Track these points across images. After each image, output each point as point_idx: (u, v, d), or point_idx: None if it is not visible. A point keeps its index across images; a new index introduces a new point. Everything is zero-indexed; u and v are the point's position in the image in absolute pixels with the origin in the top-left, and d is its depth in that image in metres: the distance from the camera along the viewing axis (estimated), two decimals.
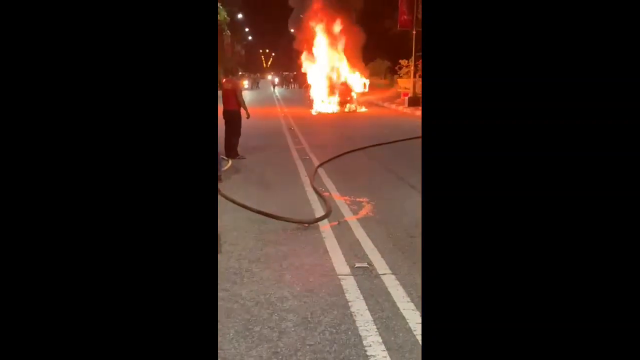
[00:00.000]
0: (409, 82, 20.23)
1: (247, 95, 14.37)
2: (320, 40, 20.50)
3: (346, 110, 19.13)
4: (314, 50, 20.69)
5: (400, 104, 19.91)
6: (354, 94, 19.62)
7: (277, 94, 33.73)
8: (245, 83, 37.08)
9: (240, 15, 44.87)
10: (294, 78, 41.05)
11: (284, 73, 49.96)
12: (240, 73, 38.85)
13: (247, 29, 61.91)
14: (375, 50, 29.29)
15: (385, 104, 21.30)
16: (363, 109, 19.51)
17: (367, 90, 20.93)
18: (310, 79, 21.17)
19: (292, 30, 22.46)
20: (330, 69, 20.30)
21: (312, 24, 20.44)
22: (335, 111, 18.89)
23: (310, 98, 20.01)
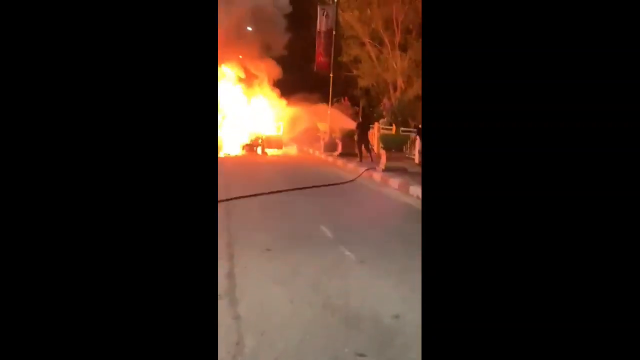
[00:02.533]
0: (325, 126, 19.29)
1: None
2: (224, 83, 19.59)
3: (259, 153, 17.98)
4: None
5: (318, 149, 18.86)
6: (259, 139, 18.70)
7: None
8: None
9: None
10: None
11: None
12: None
13: None
14: (300, 91, 28.53)
15: (304, 148, 20.28)
16: (274, 152, 18.36)
17: (281, 133, 19.70)
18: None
19: None
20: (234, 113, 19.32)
21: None
22: (239, 154, 17.79)
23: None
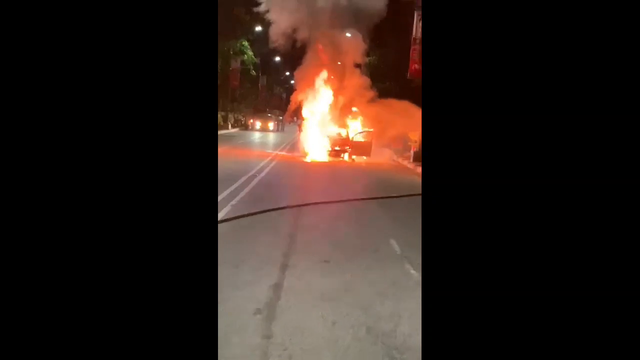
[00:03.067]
0: (417, 135, 18.66)
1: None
2: (315, 89, 19.55)
3: (345, 159, 17.75)
4: (309, 99, 19.72)
5: (407, 159, 18.28)
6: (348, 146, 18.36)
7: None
8: (270, 125, 36.51)
9: (277, 58, 44.48)
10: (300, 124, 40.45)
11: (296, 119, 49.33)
12: (268, 114, 38.44)
13: (287, 72, 62.22)
14: (397, 98, 28.09)
15: (394, 157, 19.77)
16: (363, 158, 18.00)
17: (369, 140, 19.27)
18: (305, 127, 20.20)
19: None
20: (322, 119, 19.12)
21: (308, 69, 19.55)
22: (326, 160, 17.61)
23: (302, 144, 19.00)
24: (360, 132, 18.94)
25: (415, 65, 17.69)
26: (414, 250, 5.51)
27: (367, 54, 36.46)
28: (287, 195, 9.03)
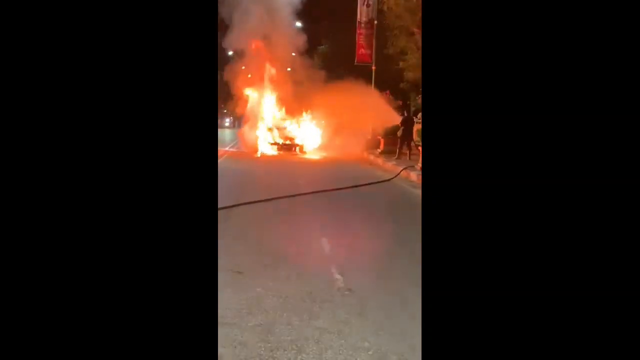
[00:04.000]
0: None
1: None
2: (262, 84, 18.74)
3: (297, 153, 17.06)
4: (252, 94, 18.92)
5: (361, 146, 17.72)
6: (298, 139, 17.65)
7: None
8: (226, 121, 35.70)
9: (230, 53, 43.15)
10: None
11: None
12: (224, 110, 37.53)
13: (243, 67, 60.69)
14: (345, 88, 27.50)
15: (348, 145, 19.18)
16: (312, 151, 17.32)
17: (320, 131, 18.63)
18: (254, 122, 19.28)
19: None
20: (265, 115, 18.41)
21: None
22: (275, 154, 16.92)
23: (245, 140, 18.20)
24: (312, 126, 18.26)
25: (362, 50, 17.14)
26: (344, 251, 4.93)
27: (320, 43, 35.83)
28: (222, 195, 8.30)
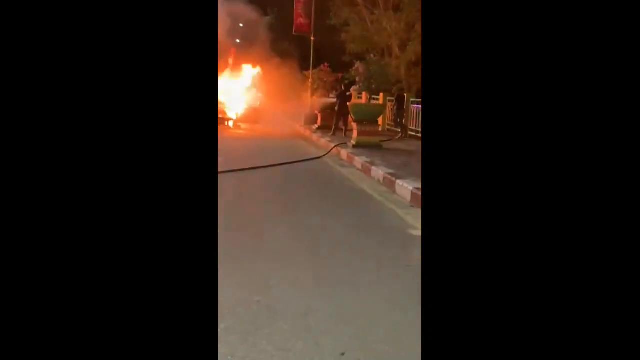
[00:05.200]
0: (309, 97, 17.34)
1: None
2: None
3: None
4: None
5: (299, 122, 16.98)
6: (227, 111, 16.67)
7: None
8: None
9: None
10: None
11: None
12: None
13: None
14: (282, 59, 26.64)
15: (287, 121, 18.38)
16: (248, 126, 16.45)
17: (257, 105, 17.73)
18: None
19: None
20: None
21: None
22: None
23: None
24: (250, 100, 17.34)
25: (300, 20, 16.25)
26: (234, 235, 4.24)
27: (265, 14, 34.51)
28: None
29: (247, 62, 20.01)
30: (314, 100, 16.04)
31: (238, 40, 26.05)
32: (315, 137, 13.53)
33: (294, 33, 16.79)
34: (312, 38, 16.14)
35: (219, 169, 7.70)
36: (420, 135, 12.57)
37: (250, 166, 8.27)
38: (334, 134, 13.09)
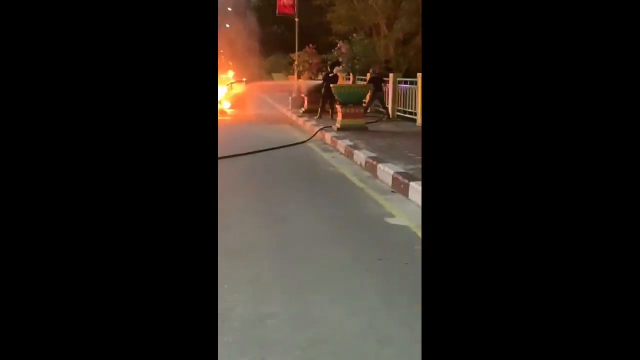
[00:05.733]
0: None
1: None
2: None
3: None
4: None
5: (286, 105, 16.60)
6: None
7: None
8: None
9: None
10: None
11: None
12: None
13: None
14: (278, 43, 26.11)
15: (275, 104, 17.96)
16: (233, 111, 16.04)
17: (243, 91, 17.27)
18: None
19: None
20: None
21: None
22: None
23: None
24: (232, 82, 16.90)
25: (283, 1, 15.75)
26: None
27: None
28: None
29: (235, 46, 19.54)
30: (300, 83, 15.60)
31: (227, 25, 25.43)
32: (301, 121, 13.18)
33: (277, 14, 16.31)
34: (297, 19, 15.66)
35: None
36: (407, 116, 12.23)
37: (229, 154, 7.94)
38: (320, 117, 12.73)
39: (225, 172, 6.85)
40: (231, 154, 7.94)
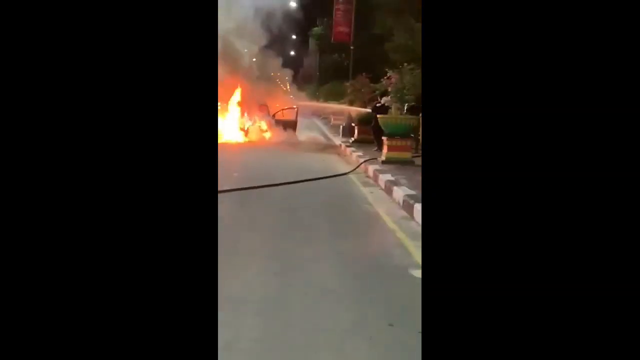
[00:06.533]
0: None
1: None
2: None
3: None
4: None
5: (338, 134, 16.26)
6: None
7: None
8: None
9: None
10: None
11: None
12: None
13: None
14: (335, 71, 26.06)
15: (327, 132, 17.69)
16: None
17: (294, 118, 16.95)
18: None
19: None
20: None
21: None
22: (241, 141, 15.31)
23: None
24: (282, 109, 16.72)
25: (339, 28, 15.57)
26: None
27: (315, 24, 34.19)
28: None
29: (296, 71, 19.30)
30: (350, 112, 15.24)
31: (292, 53, 25.74)
32: (348, 151, 12.76)
33: (332, 41, 16.14)
34: (352, 47, 15.40)
35: (228, 188, 7.13)
36: None
37: (265, 183, 7.62)
38: (378, 149, 11.77)
39: (251, 205, 6.49)
40: (264, 184, 7.62)
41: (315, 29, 32.86)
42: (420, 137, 10.84)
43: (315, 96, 22.99)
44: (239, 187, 7.20)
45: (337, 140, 15.40)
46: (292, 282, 3.72)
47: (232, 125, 15.80)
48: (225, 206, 6.25)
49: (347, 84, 16.66)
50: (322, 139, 15.94)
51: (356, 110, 14.01)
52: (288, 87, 22.05)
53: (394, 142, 9.88)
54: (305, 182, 8.17)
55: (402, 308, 3.29)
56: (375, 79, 15.86)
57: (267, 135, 15.93)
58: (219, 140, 14.97)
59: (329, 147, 14.23)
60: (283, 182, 7.87)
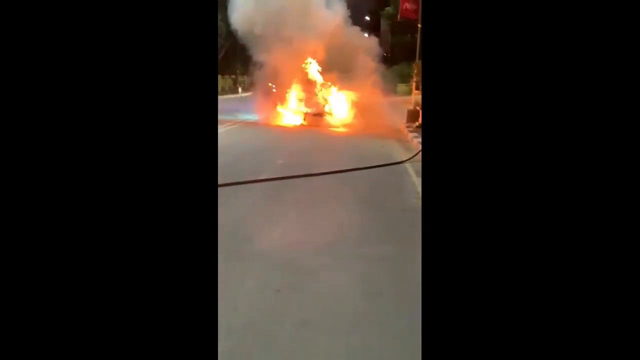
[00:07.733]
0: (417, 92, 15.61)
1: None
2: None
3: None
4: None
5: (402, 117, 15.36)
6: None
7: None
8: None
9: None
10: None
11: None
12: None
13: None
14: (405, 51, 25.01)
15: (394, 118, 16.78)
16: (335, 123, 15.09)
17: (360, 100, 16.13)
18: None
19: None
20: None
21: None
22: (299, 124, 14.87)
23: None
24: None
25: (406, 5, 14.62)
26: None
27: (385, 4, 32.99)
28: None
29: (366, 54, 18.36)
30: (416, 95, 14.33)
31: (366, 35, 24.71)
32: (410, 136, 11.95)
33: (398, 19, 15.22)
34: (419, 25, 14.43)
35: (274, 175, 6.68)
36: None
37: (314, 171, 7.10)
38: None
39: (288, 195, 5.97)
40: (311, 172, 7.08)
41: (387, 8, 31.71)
42: None
43: (384, 78, 22.02)
44: (275, 176, 6.72)
45: (401, 124, 14.55)
46: (292, 299, 3.14)
47: (293, 107, 15.36)
48: (252, 194, 5.78)
49: (414, 64, 15.66)
50: (384, 121, 15.09)
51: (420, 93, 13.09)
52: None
53: None
54: (356, 171, 7.54)
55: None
56: None
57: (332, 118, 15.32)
58: (279, 123, 14.68)
59: (390, 132, 13.42)
60: (327, 171, 7.29)
